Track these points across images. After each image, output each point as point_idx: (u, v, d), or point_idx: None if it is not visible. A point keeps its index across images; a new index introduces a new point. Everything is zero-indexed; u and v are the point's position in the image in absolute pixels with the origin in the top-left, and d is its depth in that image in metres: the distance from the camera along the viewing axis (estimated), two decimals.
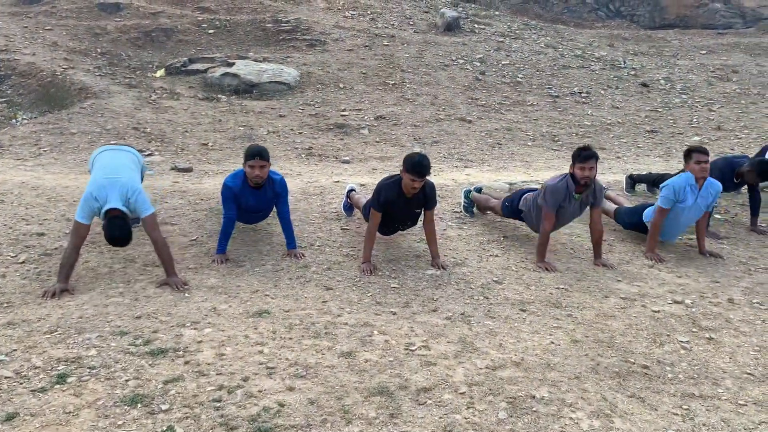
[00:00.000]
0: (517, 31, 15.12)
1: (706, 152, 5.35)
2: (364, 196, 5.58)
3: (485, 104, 10.57)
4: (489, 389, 3.25)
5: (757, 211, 6.20)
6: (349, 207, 5.73)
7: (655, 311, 4.39)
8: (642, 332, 4.08)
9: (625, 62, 13.72)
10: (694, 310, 4.45)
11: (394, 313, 4.04)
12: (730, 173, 6.03)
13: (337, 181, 6.67)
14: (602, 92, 11.79)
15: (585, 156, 4.94)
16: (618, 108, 11.07)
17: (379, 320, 3.91)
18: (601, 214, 5.27)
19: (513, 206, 5.54)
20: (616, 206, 6.06)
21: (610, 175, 7.78)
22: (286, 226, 4.83)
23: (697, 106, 11.49)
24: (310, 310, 3.95)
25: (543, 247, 5.10)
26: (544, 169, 7.95)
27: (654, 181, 6.82)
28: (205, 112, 8.96)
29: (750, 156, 7.23)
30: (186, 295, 4.03)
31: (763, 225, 6.26)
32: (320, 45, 12.38)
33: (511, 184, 7.05)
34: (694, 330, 4.15)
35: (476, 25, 14.95)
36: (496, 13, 16.56)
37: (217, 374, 3.15)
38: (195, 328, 3.60)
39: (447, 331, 3.85)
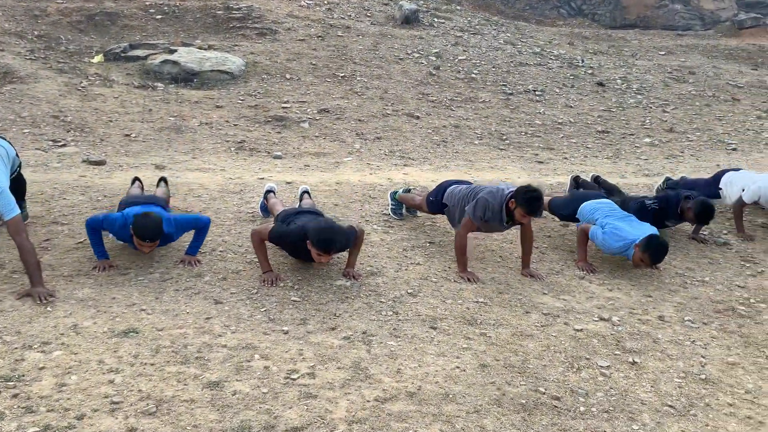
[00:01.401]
0: (477, 27, 14.68)
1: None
2: (280, 202, 5.06)
3: (436, 100, 10.11)
4: (371, 428, 2.79)
5: None
6: (266, 208, 5.22)
7: (578, 330, 3.98)
8: (559, 355, 3.66)
9: (583, 61, 13.37)
10: (620, 328, 4.05)
11: (286, 332, 3.56)
12: (674, 207, 5.58)
13: (262, 178, 6.16)
14: (557, 90, 11.41)
15: (532, 210, 4.48)
16: (571, 107, 10.69)
17: (265, 341, 3.43)
18: (531, 223, 4.84)
19: (437, 200, 5.11)
20: (551, 197, 5.66)
21: (554, 177, 7.38)
22: (198, 235, 4.30)
23: (651, 107, 11.18)
24: (188, 328, 3.45)
25: (462, 255, 4.65)
26: (487, 170, 7.52)
27: (609, 190, 6.36)
28: (136, 101, 8.35)
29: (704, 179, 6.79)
30: (48, 308, 3.50)
31: (704, 233, 5.90)
32: (271, 34, 11.79)
33: None
34: (617, 353, 3.75)
35: (436, 19, 14.46)
36: (458, 7, 16.09)
37: (48, 410, 2.64)
38: (42, 351, 3.08)
39: (341, 354, 3.39)
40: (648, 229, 4.87)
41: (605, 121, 10.21)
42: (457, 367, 3.40)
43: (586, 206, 5.24)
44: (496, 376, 3.35)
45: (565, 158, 8.38)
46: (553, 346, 3.74)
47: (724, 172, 6.47)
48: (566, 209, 5.40)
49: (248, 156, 7.06)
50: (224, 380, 2.99)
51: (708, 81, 12.97)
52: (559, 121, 9.93)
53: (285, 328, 3.59)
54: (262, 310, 3.78)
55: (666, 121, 10.50)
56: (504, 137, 8.97)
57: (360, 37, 12.34)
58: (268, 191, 5.24)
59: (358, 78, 10.49)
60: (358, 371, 3.24)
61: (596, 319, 4.16)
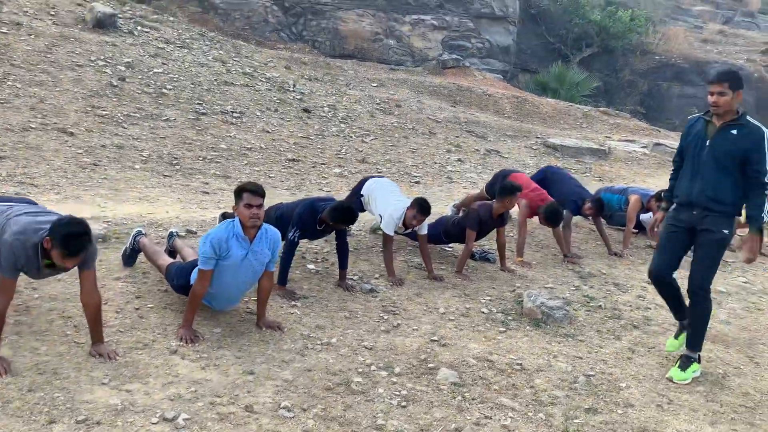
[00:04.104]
0: (187, 40, 13.14)
1: (260, 193, 3.93)
2: None
3: (108, 115, 8.39)
4: None
5: (345, 261, 5.03)
6: None
7: None
8: None
9: (294, 86, 12.60)
10: None
11: None
12: (310, 218, 4.77)
13: None
14: (258, 114, 10.39)
15: (72, 252, 3.21)
16: (268, 132, 9.73)
17: None
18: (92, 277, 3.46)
19: None
20: (172, 261, 4.39)
21: (214, 211, 6.20)
22: None
23: (352, 137, 10.72)
24: None
25: None
26: (133, 201, 6.07)
27: None
28: None
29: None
30: None
31: (353, 278, 5.13)
32: None
33: None
34: None
35: (140, 27, 12.63)
36: (171, 18, 14.39)
37: None
38: None
39: None
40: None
41: (300, 149, 9.41)
42: None
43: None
44: None
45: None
46: None
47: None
48: (179, 278, 4.12)
49: None
50: None
51: (411, 114, 13.05)
52: (249, 146, 8.87)
53: None
54: None
55: (362, 151, 10.06)
56: (175, 162, 7.60)
57: (32, 37, 10.06)
58: None
59: (9, 83, 8.32)
60: None
61: (155, 420, 2.96)
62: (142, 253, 4.54)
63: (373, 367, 3.84)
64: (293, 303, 4.54)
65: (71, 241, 3.13)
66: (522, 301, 5.03)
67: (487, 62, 17.29)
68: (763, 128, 3.83)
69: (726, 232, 3.89)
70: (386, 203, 5.38)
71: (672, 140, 15.66)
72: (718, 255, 3.97)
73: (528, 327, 4.73)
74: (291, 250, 4.71)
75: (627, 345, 4.57)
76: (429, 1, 17.09)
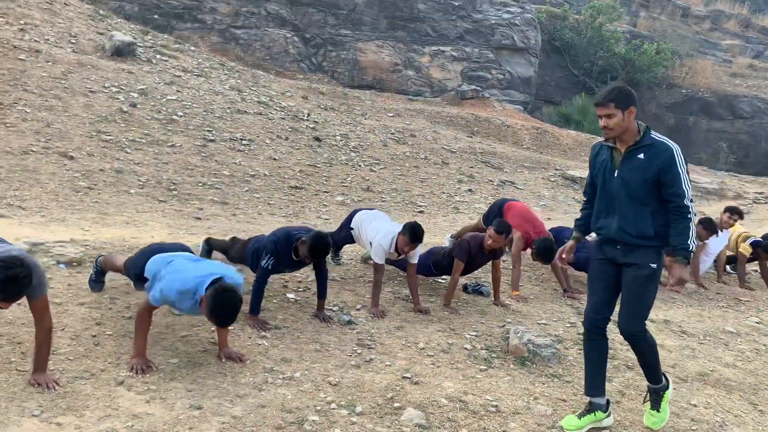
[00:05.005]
0: (205, 69, 13.29)
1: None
2: None
3: (113, 140, 8.42)
4: None
5: (323, 291, 4.80)
6: None
7: None
8: None
9: (308, 115, 12.58)
10: None
11: None
12: (285, 245, 4.57)
13: None
14: (268, 142, 10.34)
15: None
16: (275, 159, 9.66)
17: None
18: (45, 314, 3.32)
19: None
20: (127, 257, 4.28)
21: (201, 237, 6.04)
22: None
23: (360, 165, 10.58)
24: None
25: None
26: (119, 225, 5.98)
27: (225, 250, 5.23)
28: None
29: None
30: None
31: (332, 308, 4.90)
32: None
33: (35, 244, 4.94)
34: None
35: (159, 56, 12.82)
36: (192, 48, 14.62)
37: None
38: None
39: None
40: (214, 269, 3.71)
41: (305, 177, 9.29)
42: None
43: (156, 260, 3.90)
44: None
45: (234, 215, 7.15)
46: None
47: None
48: (135, 268, 4.02)
49: None
50: None
51: (425, 144, 12.89)
52: (252, 173, 8.79)
53: None
54: None
55: (368, 180, 9.89)
56: (173, 187, 7.53)
57: (49, 63, 10.25)
58: None
59: (19, 107, 8.43)
60: None
61: None
62: (109, 274, 4.44)
63: (333, 405, 3.57)
64: (263, 334, 4.32)
65: (8, 286, 2.99)
66: (509, 337, 4.72)
67: (508, 93, 17.10)
68: (673, 144, 3.35)
69: (654, 266, 3.36)
70: (376, 231, 5.17)
71: (697, 174, 15.16)
72: (648, 292, 3.40)
73: (512, 365, 4.41)
74: (263, 279, 4.52)
75: (617, 387, 4.21)
76: (449, 33, 17.06)
